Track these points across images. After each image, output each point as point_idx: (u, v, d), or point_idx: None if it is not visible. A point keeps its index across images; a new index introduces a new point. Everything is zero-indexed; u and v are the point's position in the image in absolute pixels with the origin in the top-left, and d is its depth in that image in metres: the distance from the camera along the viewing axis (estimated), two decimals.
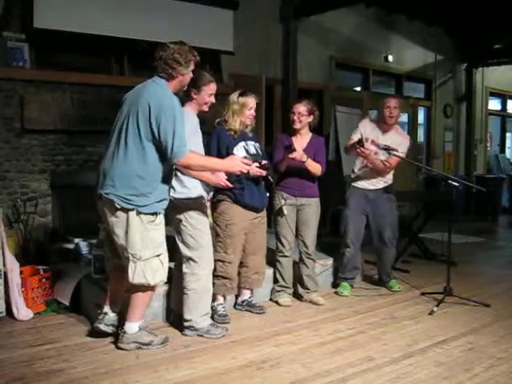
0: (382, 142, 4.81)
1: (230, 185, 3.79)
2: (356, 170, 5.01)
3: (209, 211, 4.05)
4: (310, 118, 4.55)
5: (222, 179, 3.72)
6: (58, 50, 5.41)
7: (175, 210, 3.70)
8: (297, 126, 4.54)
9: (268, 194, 4.37)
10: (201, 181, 3.75)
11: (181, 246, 3.75)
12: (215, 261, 3.95)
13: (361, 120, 5.18)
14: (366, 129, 4.94)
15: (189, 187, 3.71)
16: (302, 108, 4.50)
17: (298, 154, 4.34)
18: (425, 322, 4.22)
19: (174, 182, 3.67)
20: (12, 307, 4.05)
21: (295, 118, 4.51)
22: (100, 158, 3.52)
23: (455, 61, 10.76)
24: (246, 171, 3.59)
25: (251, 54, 7.07)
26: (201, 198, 3.78)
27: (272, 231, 4.64)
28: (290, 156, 4.32)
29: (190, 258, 3.73)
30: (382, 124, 4.94)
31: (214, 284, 3.93)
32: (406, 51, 9.67)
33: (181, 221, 3.71)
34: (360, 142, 4.65)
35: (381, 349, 3.64)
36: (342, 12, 7.69)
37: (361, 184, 4.95)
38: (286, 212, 4.42)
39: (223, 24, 6.40)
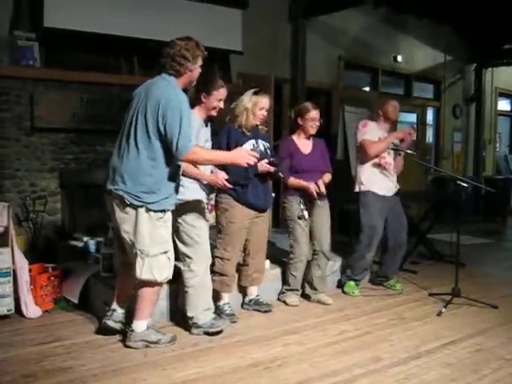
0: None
1: (229, 185, 3.80)
2: (370, 177, 4.91)
3: (209, 213, 4.08)
4: None
5: (221, 179, 3.74)
6: (68, 49, 5.40)
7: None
8: (314, 131, 4.56)
9: (274, 194, 4.37)
10: (200, 183, 3.77)
11: (178, 243, 3.79)
12: (214, 257, 4.01)
13: (366, 123, 4.99)
14: (377, 130, 4.91)
15: (186, 186, 3.72)
16: (318, 114, 4.53)
17: (313, 187, 4.39)
18: (433, 322, 4.22)
19: None
20: (21, 305, 4.07)
21: (314, 125, 4.52)
22: (109, 157, 3.53)
23: (464, 61, 10.69)
24: (253, 163, 3.52)
25: (260, 53, 7.04)
26: (198, 201, 3.80)
27: (277, 230, 4.63)
28: (312, 194, 4.38)
29: (185, 255, 3.77)
30: (385, 124, 4.98)
31: (212, 280, 3.96)
32: (415, 51, 9.62)
33: (176, 219, 3.73)
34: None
35: (388, 349, 3.64)
36: (351, 12, 7.65)
37: (383, 190, 4.90)
38: (307, 216, 4.43)
39: (232, 23, 6.40)
